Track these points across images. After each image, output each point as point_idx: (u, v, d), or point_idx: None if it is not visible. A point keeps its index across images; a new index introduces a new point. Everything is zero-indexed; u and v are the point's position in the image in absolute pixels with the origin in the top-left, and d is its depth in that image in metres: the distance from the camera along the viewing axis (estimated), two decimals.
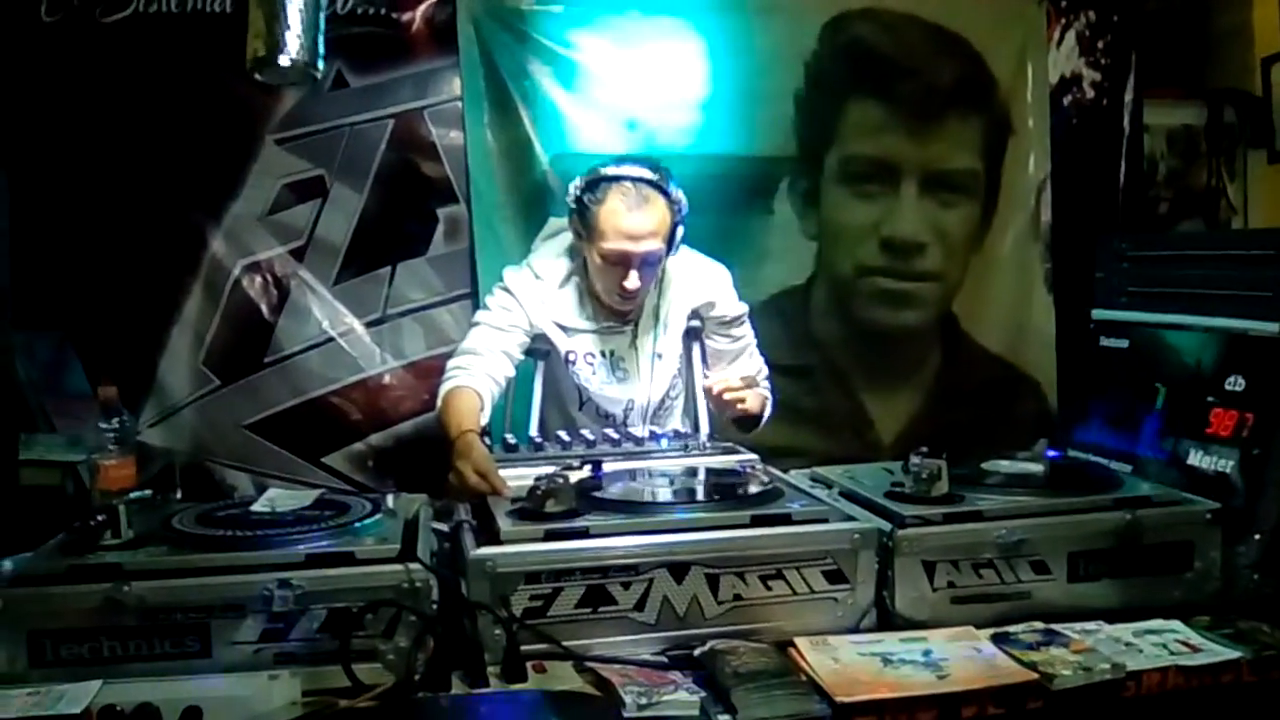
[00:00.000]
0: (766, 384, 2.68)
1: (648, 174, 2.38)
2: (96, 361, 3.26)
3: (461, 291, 3.50)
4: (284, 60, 2.05)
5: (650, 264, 2.40)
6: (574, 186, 2.42)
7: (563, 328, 2.49)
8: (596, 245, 2.37)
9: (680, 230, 2.44)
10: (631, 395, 2.55)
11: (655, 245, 2.37)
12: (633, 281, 2.38)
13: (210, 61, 3.20)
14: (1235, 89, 4.06)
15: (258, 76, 2.12)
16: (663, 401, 2.60)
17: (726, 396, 2.44)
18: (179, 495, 2.16)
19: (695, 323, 2.60)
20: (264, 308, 3.42)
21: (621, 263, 2.36)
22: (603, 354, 2.52)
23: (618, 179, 2.37)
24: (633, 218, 2.34)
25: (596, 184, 2.38)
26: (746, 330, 2.65)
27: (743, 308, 2.61)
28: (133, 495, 1.84)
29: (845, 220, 3.78)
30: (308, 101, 3.36)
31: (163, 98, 3.25)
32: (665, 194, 2.38)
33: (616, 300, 2.45)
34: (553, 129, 3.50)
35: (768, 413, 2.64)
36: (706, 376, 2.59)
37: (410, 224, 3.49)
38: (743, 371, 2.56)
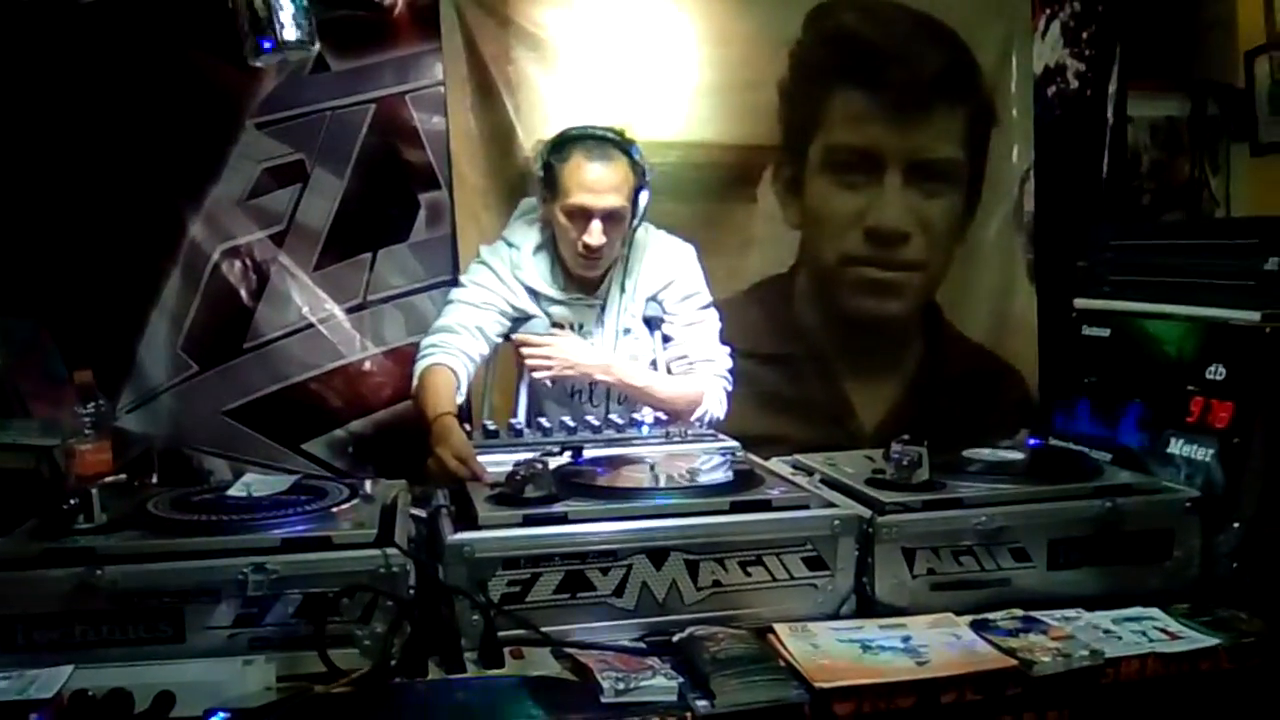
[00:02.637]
0: (707, 367, 2.56)
1: (611, 135, 2.43)
2: (73, 346, 3.22)
3: (443, 278, 3.47)
4: (286, 37, 2.05)
5: (612, 221, 2.39)
6: (541, 150, 2.47)
7: (534, 294, 2.50)
8: (560, 203, 2.39)
9: (645, 196, 2.45)
10: None
11: (617, 202, 2.38)
12: (594, 236, 2.37)
13: (190, 44, 3.17)
14: (1218, 81, 4.07)
15: (256, 63, 2.10)
16: None
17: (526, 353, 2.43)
18: (155, 481, 2.15)
19: (654, 306, 2.56)
20: (243, 293, 3.39)
21: (582, 216, 2.37)
22: (571, 327, 2.52)
23: (582, 138, 2.42)
24: (594, 169, 2.37)
25: (562, 144, 2.43)
26: (702, 315, 2.59)
27: (700, 287, 2.59)
28: (108, 480, 1.82)
29: (829, 209, 3.78)
30: (288, 85, 3.34)
31: (141, 80, 3.21)
32: (628, 154, 2.42)
33: (580, 263, 2.45)
34: (535, 114, 3.48)
35: (709, 401, 2.51)
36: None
37: (392, 209, 3.47)
38: (686, 350, 2.55)
